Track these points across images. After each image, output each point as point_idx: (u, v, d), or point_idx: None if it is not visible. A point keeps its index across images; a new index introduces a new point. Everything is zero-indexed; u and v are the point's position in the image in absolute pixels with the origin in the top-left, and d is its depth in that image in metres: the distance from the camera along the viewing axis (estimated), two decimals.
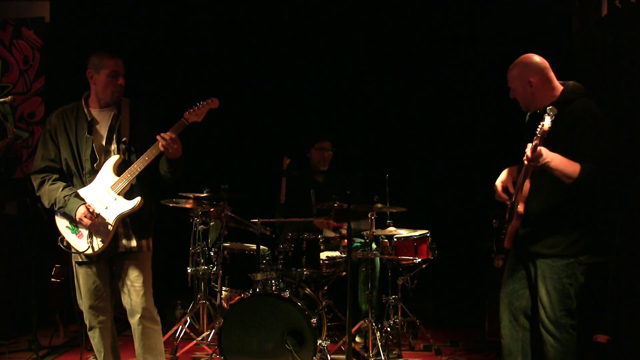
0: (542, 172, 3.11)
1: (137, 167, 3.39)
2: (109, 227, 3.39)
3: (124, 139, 3.47)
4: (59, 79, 5.63)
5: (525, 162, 3.02)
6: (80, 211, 3.35)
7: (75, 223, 3.43)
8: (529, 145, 2.96)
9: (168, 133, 3.34)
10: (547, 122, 2.90)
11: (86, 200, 3.40)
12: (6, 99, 4.12)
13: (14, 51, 5.67)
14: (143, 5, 5.94)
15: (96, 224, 3.38)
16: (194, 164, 3.59)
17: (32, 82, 5.66)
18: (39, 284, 4.82)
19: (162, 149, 3.34)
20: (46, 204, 3.48)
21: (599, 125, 3.12)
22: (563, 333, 3.20)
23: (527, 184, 3.18)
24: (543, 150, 2.96)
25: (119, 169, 3.43)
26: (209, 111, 3.44)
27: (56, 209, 3.43)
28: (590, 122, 3.11)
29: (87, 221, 3.34)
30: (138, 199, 3.40)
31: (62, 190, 3.42)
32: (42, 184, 3.48)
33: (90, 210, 3.36)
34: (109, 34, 5.81)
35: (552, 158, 2.99)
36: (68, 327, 5.13)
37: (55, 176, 3.49)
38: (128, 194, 3.43)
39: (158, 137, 3.34)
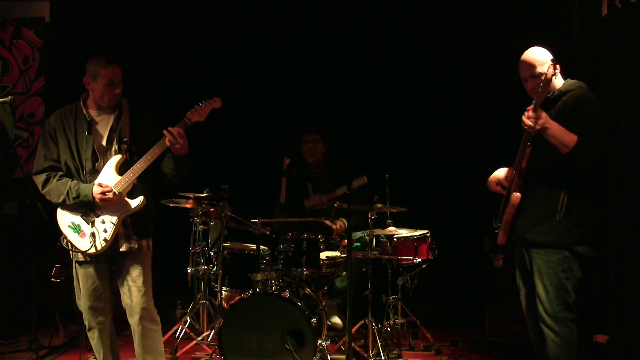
0: (539, 151, 3.14)
1: (140, 166, 3.39)
2: (114, 222, 3.39)
3: (125, 139, 3.46)
4: (59, 79, 5.62)
5: (524, 119, 3.10)
6: (96, 190, 3.33)
7: (82, 218, 3.41)
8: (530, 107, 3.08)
9: (175, 128, 3.34)
10: (548, 70, 3.05)
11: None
12: (6, 99, 4.12)
13: (14, 51, 5.66)
14: (143, 5, 5.93)
15: (115, 201, 3.36)
16: (194, 164, 3.58)
17: (32, 82, 5.66)
18: (39, 284, 4.81)
19: (168, 144, 3.34)
20: (55, 200, 3.45)
21: (593, 108, 3.20)
22: (562, 327, 3.21)
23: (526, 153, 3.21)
24: (544, 113, 3.07)
25: (121, 169, 3.42)
26: (210, 111, 3.45)
27: (70, 202, 3.39)
28: (585, 103, 3.19)
29: (109, 196, 3.32)
30: (141, 197, 3.40)
31: (71, 181, 3.41)
32: (47, 181, 3.46)
33: (104, 185, 3.35)
34: (109, 33, 5.81)
35: (551, 124, 3.09)
36: (68, 327, 5.13)
37: (60, 173, 3.48)
38: (130, 194, 3.43)
39: (165, 132, 3.33)
